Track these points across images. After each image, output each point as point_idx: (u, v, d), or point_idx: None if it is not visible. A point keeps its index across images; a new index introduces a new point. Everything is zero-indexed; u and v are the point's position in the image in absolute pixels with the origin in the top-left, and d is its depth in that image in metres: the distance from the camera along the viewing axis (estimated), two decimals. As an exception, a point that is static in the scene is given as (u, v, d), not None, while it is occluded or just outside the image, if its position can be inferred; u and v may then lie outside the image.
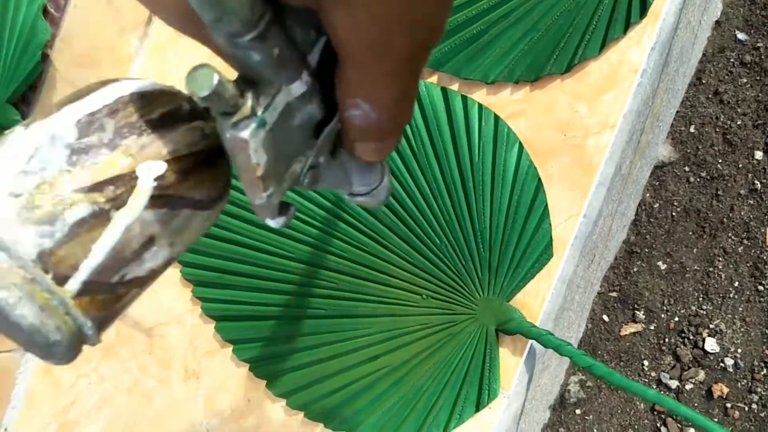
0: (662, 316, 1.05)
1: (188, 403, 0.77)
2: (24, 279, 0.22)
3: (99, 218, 0.23)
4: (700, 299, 1.04)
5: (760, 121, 1.01)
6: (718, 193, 1.03)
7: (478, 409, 0.66)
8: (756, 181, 1.02)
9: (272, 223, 0.29)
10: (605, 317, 1.06)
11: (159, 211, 0.24)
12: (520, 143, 0.67)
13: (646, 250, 1.05)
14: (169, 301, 0.81)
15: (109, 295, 0.24)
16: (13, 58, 0.77)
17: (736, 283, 1.03)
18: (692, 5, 0.77)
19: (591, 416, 1.04)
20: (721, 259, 1.03)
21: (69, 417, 0.80)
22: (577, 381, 1.05)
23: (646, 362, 1.05)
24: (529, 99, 0.68)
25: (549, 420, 1.04)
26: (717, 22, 1.03)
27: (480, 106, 0.69)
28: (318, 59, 0.25)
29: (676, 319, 1.04)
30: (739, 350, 1.02)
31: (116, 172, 0.24)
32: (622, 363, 1.05)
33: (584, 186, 0.65)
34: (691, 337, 1.04)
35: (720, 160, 1.03)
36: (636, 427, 1.04)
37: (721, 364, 1.02)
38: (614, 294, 1.06)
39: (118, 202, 0.23)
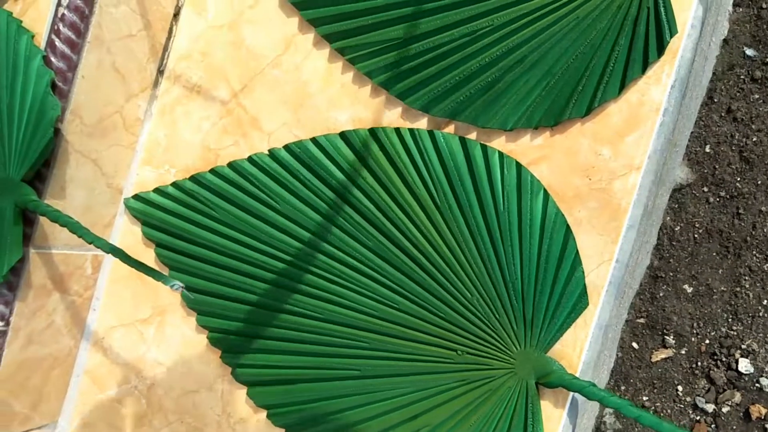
0: (692, 339, 1.03)
1: (224, 472, 0.76)
2: None
3: None
4: (730, 320, 1.03)
5: (775, 136, 1.01)
6: (739, 211, 1.02)
7: (523, 464, 0.64)
8: (777, 197, 1.00)
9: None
10: (635, 344, 1.05)
11: None
12: (545, 190, 0.66)
13: (671, 274, 1.04)
14: (199, 367, 0.80)
15: None
16: (25, 138, 0.76)
17: (765, 302, 1.01)
18: (705, 32, 0.76)
19: (628, 446, 1.03)
20: (747, 278, 1.02)
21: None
22: (612, 412, 1.03)
23: (680, 387, 1.03)
24: (551, 144, 0.68)
25: (586, 453, 1.03)
26: (725, 40, 1.03)
27: (501, 154, 0.68)
28: None
29: (707, 341, 1.03)
30: (774, 369, 1.00)
31: None
32: (655, 390, 1.04)
33: (614, 230, 0.64)
34: (724, 359, 1.02)
35: (738, 179, 1.02)
36: (675, 454, 1.02)
37: (757, 385, 1.00)
38: (642, 320, 1.05)
39: None
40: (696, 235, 1.03)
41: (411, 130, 0.72)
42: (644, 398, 1.03)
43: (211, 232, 0.79)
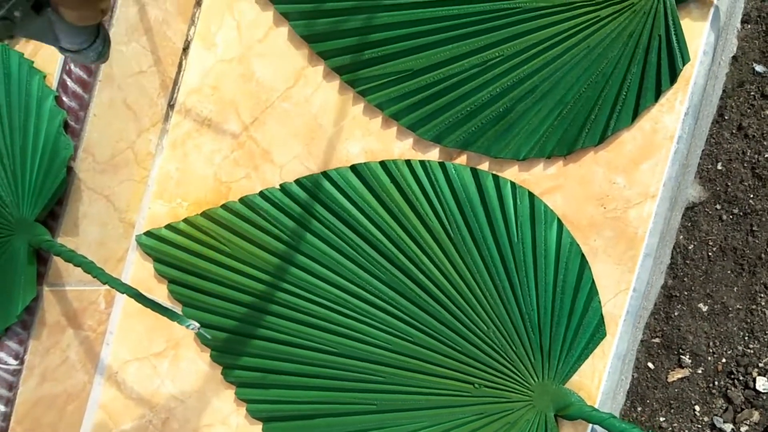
0: (709, 358, 1.02)
1: (242, 508, 0.76)
2: None
3: None
4: (746, 338, 1.02)
5: (787, 152, 1.00)
6: (753, 228, 1.01)
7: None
8: (791, 214, 1.00)
9: None
10: (650, 365, 1.04)
11: None
12: (559, 220, 0.66)
13: (686, 293, 1.03)
14: (214, 401, 0.80)
15: None
16: (38, 178, 0.76)
17: (782, 319, 1.00)
18: (716, 56, 0.76)
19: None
20: (763, 295, 1.01)
21: None
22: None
23: (697, 407, 1.02)
24: (564, 173, 0.67)
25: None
26: (734, 57, 1.02)
27: (513, 184, 0.68)
28: None
29: (724, 360, 1.02)
30: (793, 388, 0.99)
31: None
32: (672, 410, 1.03)
33: (631, 259, 0.64)
34: (741, 378, 1.01)
35: (751, 195, 1.02)
36: (695, 476, 1.01)
37: (776, 404, 0.99)
38: (657, 340, 1.04)
39: None
40: (710, 253, 1.03)
41: (422, 162, 0.72)
42: (661, 419, 1.02)
43: (224, 268, 0.79)
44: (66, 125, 0.78)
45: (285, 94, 0.81)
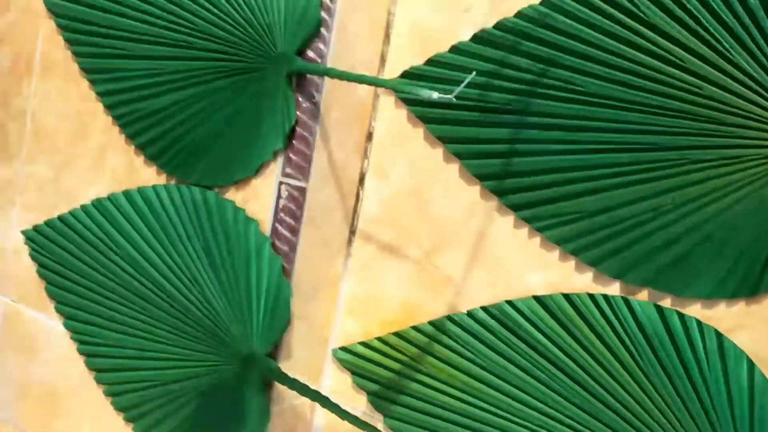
0: None
1: None
2: None
3: None
4: None
5: None
6: None
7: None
8: None
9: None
10: None
11: None
12: (748, 357, 0.71)
13: None
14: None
15: None
16: (266, 319, 0.87)
17: None
18: None
19: None
20: None
21: None
22: None
23: None
24: (749, 312, 0.72)
25: None
26: None
27: (699, 321, 0.74)
28: None
29: None
30: None
31: None
32: None
33: (822, 395, 0.69)
34: None
35: None
36: None
37: None
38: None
39: None
40: None
41: (605, 296, 0.78)
42: None
43: (421, 384, 0.88)
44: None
45: (462, 226, 0.88)
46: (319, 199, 0.90)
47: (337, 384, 0.96)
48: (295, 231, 0.87)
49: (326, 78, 0.89)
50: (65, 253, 1.07)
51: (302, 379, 0.93)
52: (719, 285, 0.73)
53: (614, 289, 0.79)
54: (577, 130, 0.79)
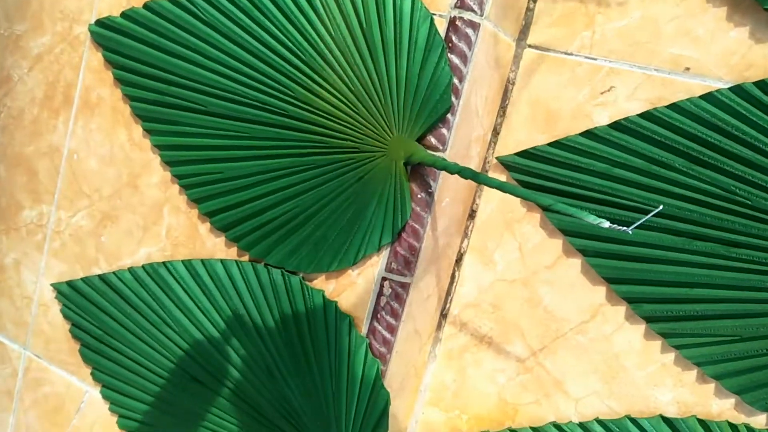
0: None
1: None
2: None
3: None
4: None
5: None
6: None
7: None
8: None
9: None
10: None
11: None
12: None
13: None
14: None
15: None
16: (364, 421, 0.76)
17: None
18: None
19: None
20: None
21: None
22: None
23: None
24: None
25: None
26: None
27: None
28: None
29: None
30: None
31: None
32: None
33: None
34: None
35: None
36: None
37: None
38: None
39: None
40: None
41: (748, 427, 0.72)
42: None
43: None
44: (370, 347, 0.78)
45: (579, 328, 0.80)
46: (419, 287, 0.80)
47: (417, 478, 0.88)
48: (393, 330, 0.76)
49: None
50: (106, 317, 0.93)
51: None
52: None
53: (760, 422, 0.73)
54: (734, 245, 0.71)
